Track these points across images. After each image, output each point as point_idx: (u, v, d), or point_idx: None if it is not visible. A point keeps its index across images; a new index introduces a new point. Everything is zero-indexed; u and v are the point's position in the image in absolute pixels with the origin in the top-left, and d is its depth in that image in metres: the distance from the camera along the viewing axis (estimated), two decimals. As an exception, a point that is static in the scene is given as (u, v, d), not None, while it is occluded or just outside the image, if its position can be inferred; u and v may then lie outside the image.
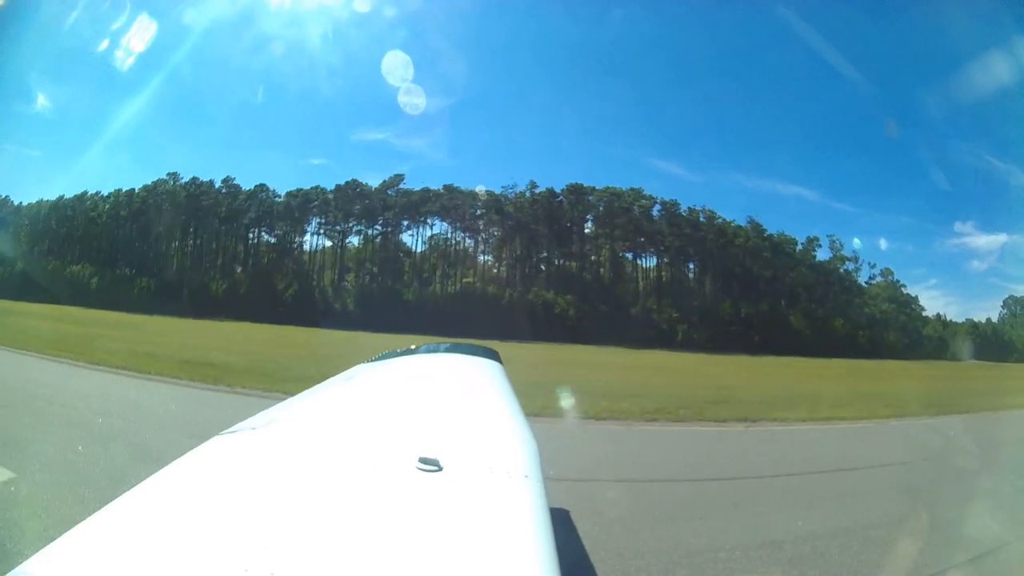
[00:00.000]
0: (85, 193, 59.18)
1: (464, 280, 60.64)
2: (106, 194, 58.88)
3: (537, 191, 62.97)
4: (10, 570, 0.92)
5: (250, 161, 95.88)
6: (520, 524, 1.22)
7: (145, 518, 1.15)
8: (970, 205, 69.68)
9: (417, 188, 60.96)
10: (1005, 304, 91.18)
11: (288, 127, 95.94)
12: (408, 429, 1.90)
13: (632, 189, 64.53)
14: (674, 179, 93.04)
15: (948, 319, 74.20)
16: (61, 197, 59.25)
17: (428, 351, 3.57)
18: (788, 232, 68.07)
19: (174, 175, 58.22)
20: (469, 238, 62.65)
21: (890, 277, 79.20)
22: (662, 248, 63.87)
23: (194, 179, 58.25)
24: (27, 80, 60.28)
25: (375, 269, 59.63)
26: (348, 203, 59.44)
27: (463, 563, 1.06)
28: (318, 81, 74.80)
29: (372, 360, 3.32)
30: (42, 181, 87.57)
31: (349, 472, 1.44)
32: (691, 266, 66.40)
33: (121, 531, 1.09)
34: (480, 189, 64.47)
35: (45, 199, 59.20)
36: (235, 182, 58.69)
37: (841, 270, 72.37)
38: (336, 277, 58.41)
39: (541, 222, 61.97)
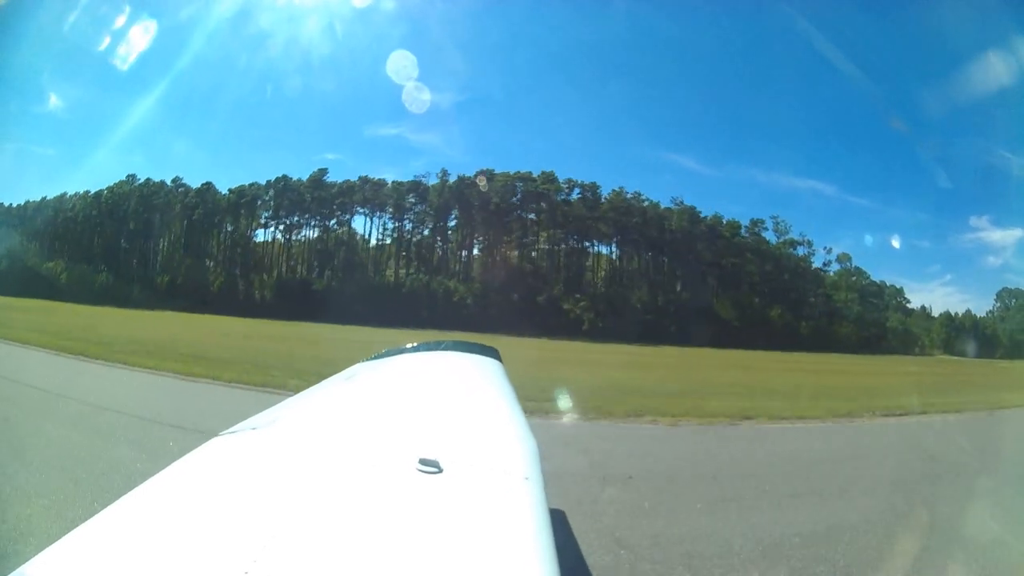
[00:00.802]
0: (64, 194, 62.94)
1: (383, 270, 62.61)
2: (80, 193, 63.00)
3: (449, 178, 63.51)
4: (10, 571, 0.93)
5: (263, 157, 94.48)
6: (520, 525, 1.23)
7: (145, 519, 1.15)
8: (985, 200, 67.43)
9: (339, 181, 63.18)
10: (999, 296, 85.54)
11: (301, 123, 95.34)
12: (408, 429, 1.90)
13: (544, 173, 63.54)
14: (688, 173, 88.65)
15: (932, 312, 72.78)
16: (44, 198, 62.93)
17: (428, 349, 3.58)
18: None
19: (132, 176, 62.06)
20: (387, 226, 64.44)
21: (848, 263, 75.32)
22: (573, 235, 63.47)
23: (147, 180, 62.13)
24: (38, 79, 60.37)
25: (295, 262, 63.11)
26: (279, 197, 62.26)
27: (463, 565, 1.07)
28: (331, 78, 75.58)
29: (372, 358, 3.30)
30: (55, 179, 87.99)
31: (349, 474, 1.44)
32: (611, 250, 65.55)
33: (121, 532, 1.10)
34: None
35: (32, 199, 63.23)
36: (183, 181, 62.46)
37: (806, 257, 70.02)
38: (267, 268, 62.08)
39: (462, 208, 62.85)
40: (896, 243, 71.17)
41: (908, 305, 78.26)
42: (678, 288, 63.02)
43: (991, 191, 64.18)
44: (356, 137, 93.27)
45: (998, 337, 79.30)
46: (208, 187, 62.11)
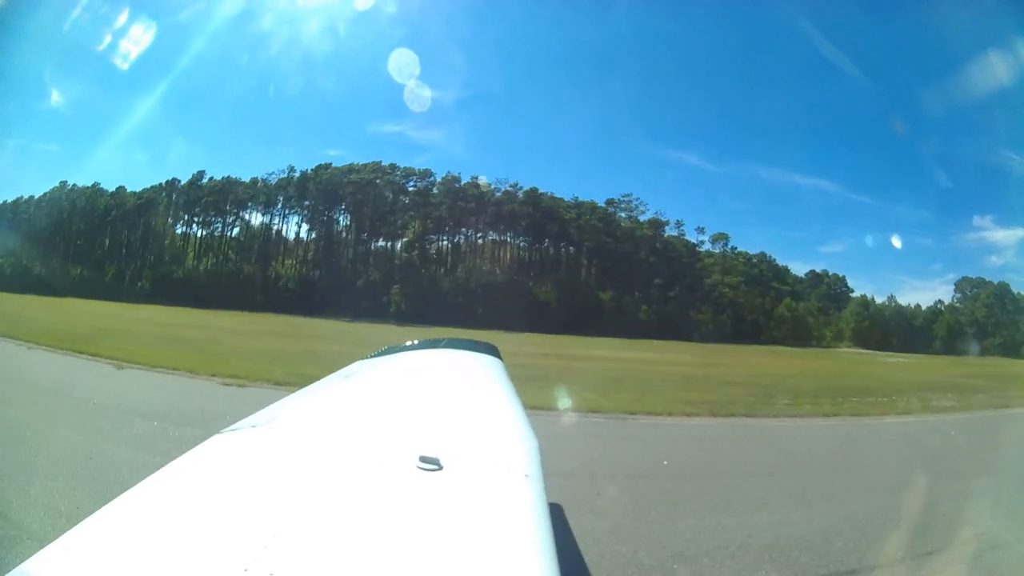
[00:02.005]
0: (32, 197, 68.13)
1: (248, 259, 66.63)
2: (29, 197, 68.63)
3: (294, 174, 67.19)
4: (10, 570, 0.93)
5: (268, 152, 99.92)
6: (520, 523, 1.22)
7: (145, 517, 1.15)
8: (988, 199, 69.46)
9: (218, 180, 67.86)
10: (957, 286, 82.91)
11: (304, 121, 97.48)
12: (408, 427, 1.90)
13: (374, 162, 66.59)
14: (691, 169, 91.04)
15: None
16: (19, 198, 67.76)
17: (428, 347, 3.60)
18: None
19: (63, 183, 68.34)
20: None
21: (724, 244, 71.55)
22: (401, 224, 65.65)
23: (95, 184, 68.42)
24: (41, 76, 61.89)
25: (230, 253, 69.03)
26: (221, 195, 66.98)
27: (463, 562, 1.06)
28: (333, 76, 77.23)
29: (372, 356, 3.32)
30: (59, 175, 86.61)
31: (350, 471, 1.44)
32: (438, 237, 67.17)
33: (121, 530, 1.09)
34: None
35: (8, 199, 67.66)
36: (121, 185, 69.04)
37: (679, 239, 68.65)
38: (195, 261, 66.83)
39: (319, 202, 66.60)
40: (897, 242, 71.70)
41: (852, 294, 76.45)
42: (497, 272, 63.94)
43: (994, 190, 65.60)
44: (359, 134, 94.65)
45: (933, 330, 73.55)
46: (121, 189, 69.19)
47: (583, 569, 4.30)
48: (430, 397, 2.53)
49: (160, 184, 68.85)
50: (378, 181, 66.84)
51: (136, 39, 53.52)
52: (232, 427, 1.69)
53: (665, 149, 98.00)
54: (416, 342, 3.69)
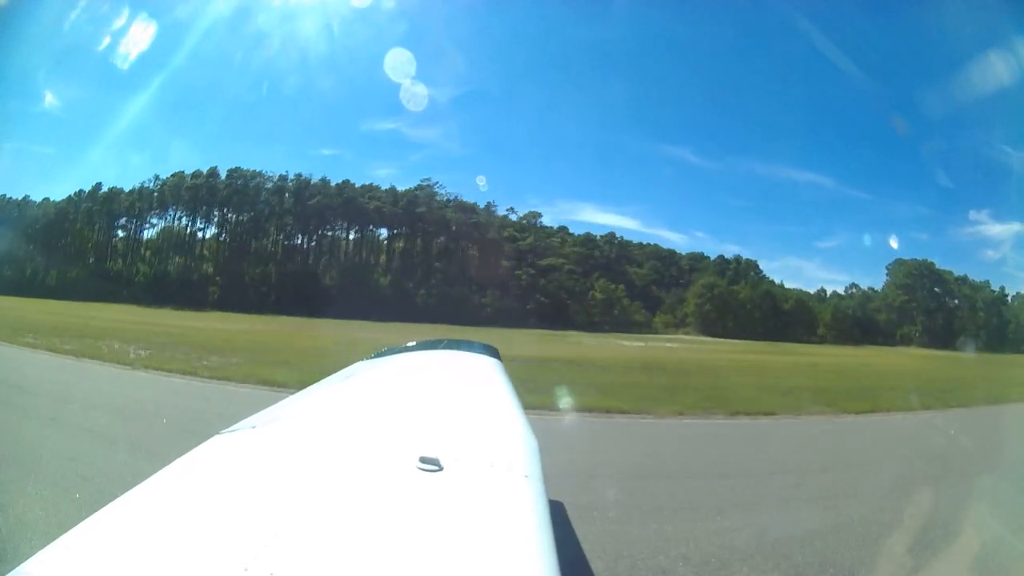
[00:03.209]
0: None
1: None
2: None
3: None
4: (10, 570, 0.93)
5: (261, 151, 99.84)
6: (520, 523, 1.23)
7: (145, 518, 1.15)
8: (985, 194, 68.65)
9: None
10: (889, 270, 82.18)
11: (299, 120, 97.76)
12: (408, 428, 1.91)
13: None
14: (686, 165, 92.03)
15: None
16: None
17: (427, 348, 3.64)
18: None
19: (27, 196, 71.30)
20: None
21: (535, 221, 73.04)
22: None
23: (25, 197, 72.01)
24: (34, 78, 61.50)
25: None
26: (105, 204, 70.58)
27: (463, 563, 1.07)
28: (328, 75, 74.87)
29: (372, 357, 3.34)
30: (53, 178, 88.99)
31: (350, 472, 1.44)
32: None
33: (121, 531, 1.10)
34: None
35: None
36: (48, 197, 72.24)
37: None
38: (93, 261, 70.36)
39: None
40: (894, 243, 72.58)
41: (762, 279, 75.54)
42: (298, 259, 67.59)
43: (991, 185, 65.00)
44: (353, 133, 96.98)
45: (820, 316, 73.69)
46: (46, 200, 72.57)
47: (585, 567, 4.30)
48: (429, 397, 2.53)
49: (72, 195, 72.68)
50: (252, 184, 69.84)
51: (129, 38, 53.64)
52: (232, 428, 1.69)
53: (661, 145, 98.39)
54: (416, 343, 3.72)
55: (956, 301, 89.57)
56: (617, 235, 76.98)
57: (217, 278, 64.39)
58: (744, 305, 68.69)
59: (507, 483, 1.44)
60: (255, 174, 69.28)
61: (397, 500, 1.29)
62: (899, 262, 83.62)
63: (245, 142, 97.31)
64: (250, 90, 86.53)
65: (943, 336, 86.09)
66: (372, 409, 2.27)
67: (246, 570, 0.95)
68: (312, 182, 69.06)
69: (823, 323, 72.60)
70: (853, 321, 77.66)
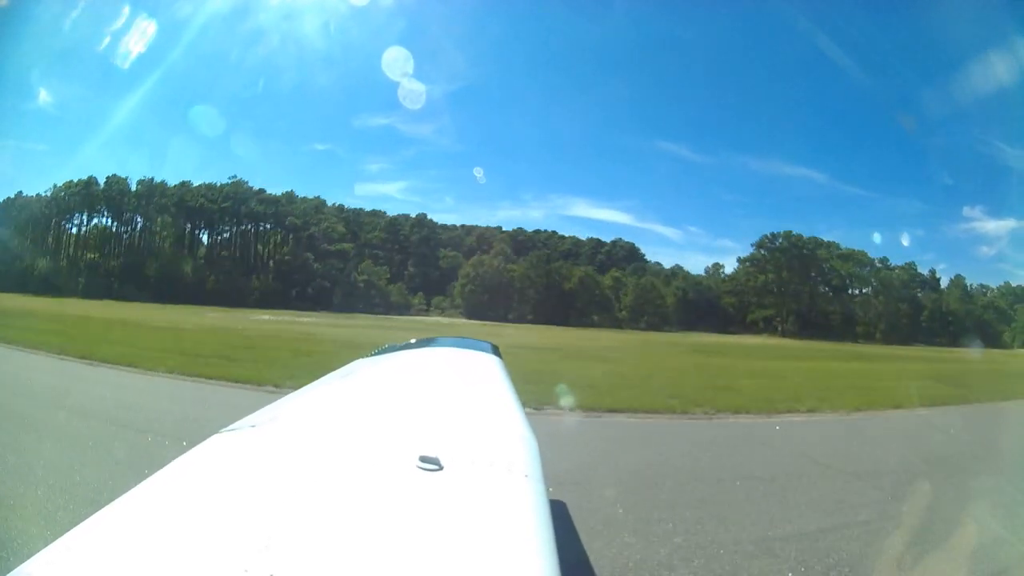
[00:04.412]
0: None
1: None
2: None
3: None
4: (10, 570, 0.93)
5: (256, 148, 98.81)
6: (520, 522, 1.23)
7: (145, 518, 1.15)
8: (979, 191, 71.83)
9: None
10: (756, 246, 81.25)
11: (290, 115, 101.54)
12: (408, 426, 1.91)
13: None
14: (681, 160, 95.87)
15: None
16: None
17: (427, 345, 3.63)
18: None
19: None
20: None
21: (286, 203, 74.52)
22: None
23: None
24: (29, 76, 62.95)
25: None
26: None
27: (463, 563, 1.07)
28: (320, 70, 79.31)
29: (371, 354, 3.34)
30: (46, 174, 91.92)
31: (349, 471, 1.44)
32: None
33: (121, 531, 1.10)
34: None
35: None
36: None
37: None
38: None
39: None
40: (906, 241, 75.12)
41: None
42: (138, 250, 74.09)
43: (986, 182, 67.52)
44: (347, 129, 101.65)
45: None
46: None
47: (587, 566, 4.33)
48: (430, 396, 2.54)
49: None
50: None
51: (125, 36, 55.52)
52: (231, 427, 1.70)
53: (656, 141, 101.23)
54: (416, 340, 3.77)
55: (827, 285, 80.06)
56: (428, 217, 79.53)
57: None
58: (513, 284, 67.84)
59: (507, 482, 1.43)
60: (120, 180, 77.62)
61: (397, 500, 1.29)
62: (767, 237, 76.02)
63: (239, 137, 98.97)
64: (246, 87, 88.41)
65: (820, 324, 78.41)
66: (372, 408, 2.26)
67: (246, 570, 0.95)
68: (168, 185, 76.75)
69: (625, 306, 69.17)
70: (687, 305, 72.84)
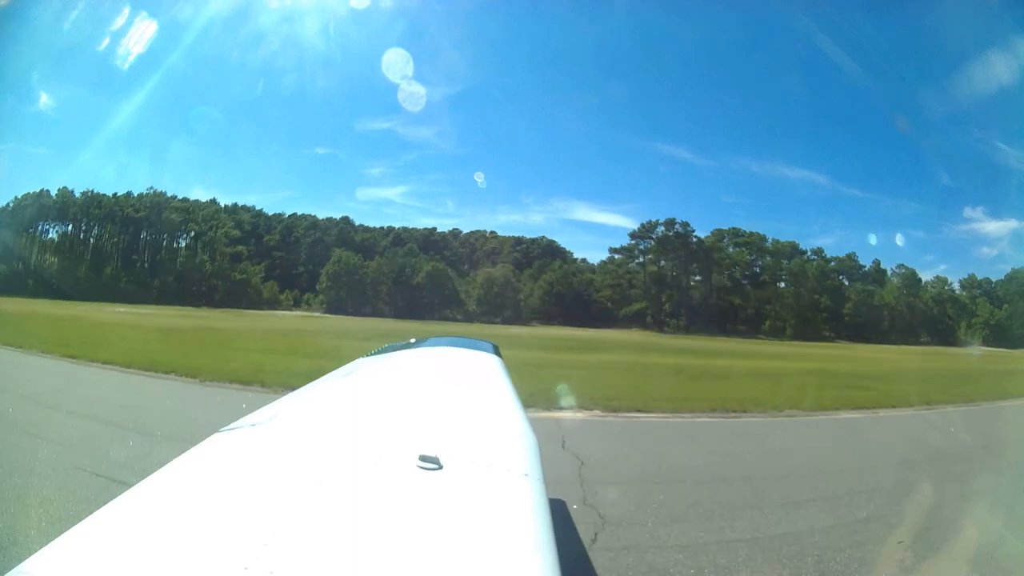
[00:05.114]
0: None
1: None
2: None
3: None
4: (9, 570, 0.93)
5: (258, 150, 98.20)
6: (520, 521, 1.23)
7: (145, 516, 1.15)
8: (980, 191, 73.44)
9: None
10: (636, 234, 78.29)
11: (291, 119, 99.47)
12: (408, 426, 1.91)
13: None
14: (682, 163, 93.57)
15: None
16: None
17: (428, 345, 3.64)
18: None
19: None
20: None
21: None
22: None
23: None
24: (29, 78, 60.51)
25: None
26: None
27: (463, 561, 1.07)
28: (321, 74, 77.55)
29: (372, 354, 3.34)
30: (45, 178, 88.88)
31: (350, 470, 1.44)
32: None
33: (121, 529, 1.10)
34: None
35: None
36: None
37: None
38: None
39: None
40: (900, 241, 75.50)
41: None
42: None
43: (986, 182, 67.63)
44: (348, 132, 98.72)
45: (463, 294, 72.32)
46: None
47: (587, 565, 4.33)
48: (430, 396, 2.55)
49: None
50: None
51: (125, 38, 53.77)
52: (232, 426, 1.70)
53: (657, 143, 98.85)
54: (416, 340, 3.78)
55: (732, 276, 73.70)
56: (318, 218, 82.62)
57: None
58: (366, 279, 68.74)
59: (507, 482, 1.44)
60: (67, 192, 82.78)
61: (397, 499, 1.29)
62: (645, 225, 71.24)
63: (239, 140, 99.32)
64: (246, 90, 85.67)
65: (716, 317, 73.08)
66: (372, 407, 2.26)
67: (246, 569, 0.95)
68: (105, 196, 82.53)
69: (475, 299, 67.77)
70: (555, 298, 70.05)
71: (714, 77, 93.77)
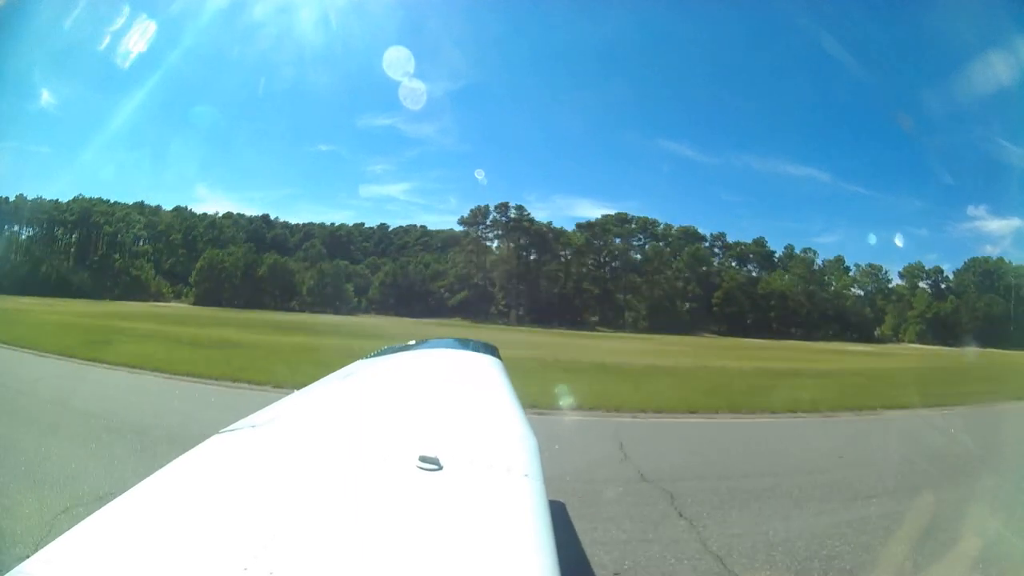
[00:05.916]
0: None
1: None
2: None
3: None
4: (9, 570, 0.93)
5: (257, 151, 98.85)
6: (520, 522, 1.23)
7: (145, 517, 1.15)
8: (983, 190, 73.35)
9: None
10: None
11: (294, 117, 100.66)
12: (408, 427, 1.91)
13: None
14: (684, 160, 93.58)
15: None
16: None
17: (428, 346, 3.64)
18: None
19: None
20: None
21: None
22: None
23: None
24: (30, 77, 60.61)
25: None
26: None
27: (463, 561, 1.07)
28: (321, 70, 78.51)
29: (372, 356, 3.34)
30: (48, 177, 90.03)
31: (350, 471, 1.44)
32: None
33: (121, 530, 1.10)
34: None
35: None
36: None
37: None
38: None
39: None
40: (899, 241, 76.13)
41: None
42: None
43: (989, 181, 68.47)
44: (350, 129, 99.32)
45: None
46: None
47: (586, 566, 4.33)
48: (429, 397, 2.54)
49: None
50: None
51: (125, 37, 53.92)
52: (231, 427, 1.70)
53: (658, 140, 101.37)
54: (416, 342, 3.77)
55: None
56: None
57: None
58: (227, 270, 71.69)
59: (507, 483, 1.44)
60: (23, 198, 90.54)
61: (397, 500, 1.30)
62: (476, 211, 68.41)
63: (242, 138, 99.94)
64: (247, 88, 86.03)
65: (557, 308, 70.29)
66: (372, 408, 2.27)
67: (246, 570, 0.95)
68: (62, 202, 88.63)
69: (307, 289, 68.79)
70: (391, 289, 69.42)
71: (716, 75, 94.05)
